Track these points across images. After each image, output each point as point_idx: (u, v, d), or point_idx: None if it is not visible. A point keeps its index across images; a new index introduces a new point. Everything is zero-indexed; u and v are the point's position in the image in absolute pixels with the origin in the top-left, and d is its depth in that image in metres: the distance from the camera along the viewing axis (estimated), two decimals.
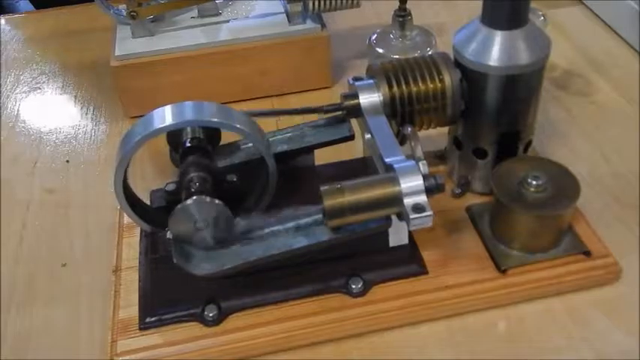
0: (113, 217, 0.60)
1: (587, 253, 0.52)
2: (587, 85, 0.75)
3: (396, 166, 0.45)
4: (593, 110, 0.71)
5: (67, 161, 0.69)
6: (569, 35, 0.82)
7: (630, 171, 0.63)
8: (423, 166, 0.45)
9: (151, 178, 0.63)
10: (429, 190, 0.44)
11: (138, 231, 0.57)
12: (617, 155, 0.65)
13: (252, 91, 0.74)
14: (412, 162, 0.45)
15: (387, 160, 0.46)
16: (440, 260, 0.53)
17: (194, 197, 0.45)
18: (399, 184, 0.44)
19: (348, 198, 0.44)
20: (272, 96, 0.75)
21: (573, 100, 0.72)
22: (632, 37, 0.78)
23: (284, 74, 0.73)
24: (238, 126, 0.48)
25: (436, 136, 0.62)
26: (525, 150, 0.57)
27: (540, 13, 0.76)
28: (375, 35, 0.76)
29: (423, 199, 0.44)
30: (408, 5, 0.75)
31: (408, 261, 0.52)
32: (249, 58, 0.72)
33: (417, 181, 0.44)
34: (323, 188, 0.45)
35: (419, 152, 0.46)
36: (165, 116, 0.47)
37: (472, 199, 0.58)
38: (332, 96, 0.74)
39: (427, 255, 0.53)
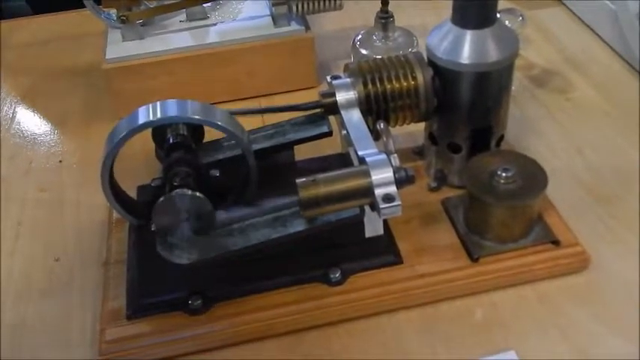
0: (104, 214, 0.62)
1: (556, 242, 0.55)
2: (564, 82, 0.77)
3: (368, 159, 0.47)
4: (570, 107, 0.73)
5: (61, 161, 0.72)
6: (548, 35, 0.84)
7: (603, 165, 0.65)
8: (394, 159, 0.47)
9: (139, 176, 0.65)
10: (399, 182, 0.46)
11: (127, 226, 0.59)
12: (591, 150, 0.67)
13: (240, 92, 0.76)
14: (383, 155, 0.47)
15: (361, 153, 0.49)
16: (415, 251, 0.55)
17: (176, 190, 0.47)
18: (370, 175, 0.46)
19: (323, 190, 0.47)
20: (259, 96, 0.77)
21: (551, 98, 0.75)
22: (609, 36, 0.80)
23: (270, 75, 0.76)
24: (219, 123, 0.50)
25: (415, 133, 0.64)
26: (498, 144, 0.59)
27: (519, 13, 0.79)
28: (360, 36, 0.78)
29: (392, 189, 0.46)
30: (392, 7, 0.77)
31: (384, 251, 0.54)
32: (236, 60, 0.74)
33: (388, 173, 0.46)
34: (299, 181, 0.47)
35: (390, 146, 0.48)
36: (149, 113, 0.49)
37: (448, 193, 0.60)
38: (316, 97, 0.76)
39: (403, 246, 0.55)
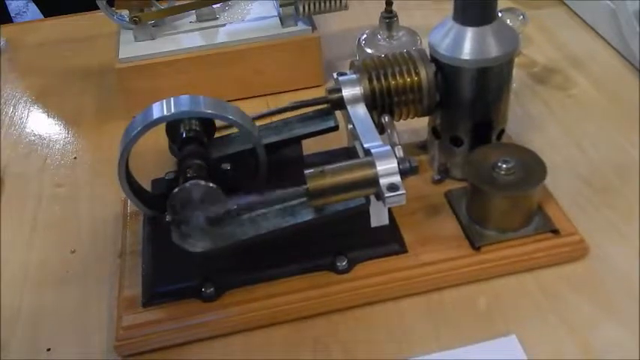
0: (118, 207, 0.64)
1: (556, 232, 0.56)
2: (565, 80, 0.78)
3: (373, 150, 0.49)
4: (571, 104, 0.75)
5: (75, 158, 0.74)
6: (549, 34, 0.86)
7: (602, 159, 0.66)
8: (398, 150, 0.49)
9: (151, 171, 0.66)
10: (403, 172, 0.48)
11: (141, 219, 0.61)
12: (591, 145, 0.68)
13: (248, 91, 0.78)
14: (388, 146, 0.49)
15: (366, 145, 0.51)
16: (419, 240, 0.57)
17: (191, 181, 0.49)
18: (375, 166, 0.48)
19: (330, 180, 0.49)
20: (267, 95, 0.79)
21: (552, 94, 0.76)
22: (609, 34, 0.82)
23: (278, 74, 0.78)
24: (231, 117, 0.53)
25: (419, 128, 0.66)
26: (499, 138, 0.61)
27: (520, 12, 0.81)
28: (364, 36, 0.80)
29: (397, 179, 0.48)
30: (396, 7, 0.79)
31: (389, 241, 0.56)
32: (244, 59, 0.76)
33: (392, 164, 0.48)
34: (307, 172, 0.49)
35: (395, 138, 0.51)
36: (163, 108, 0.51)
37: (451, 185, 0.62)
38: (323, 94, 0.78)
39: (408, 236, 0.57)
